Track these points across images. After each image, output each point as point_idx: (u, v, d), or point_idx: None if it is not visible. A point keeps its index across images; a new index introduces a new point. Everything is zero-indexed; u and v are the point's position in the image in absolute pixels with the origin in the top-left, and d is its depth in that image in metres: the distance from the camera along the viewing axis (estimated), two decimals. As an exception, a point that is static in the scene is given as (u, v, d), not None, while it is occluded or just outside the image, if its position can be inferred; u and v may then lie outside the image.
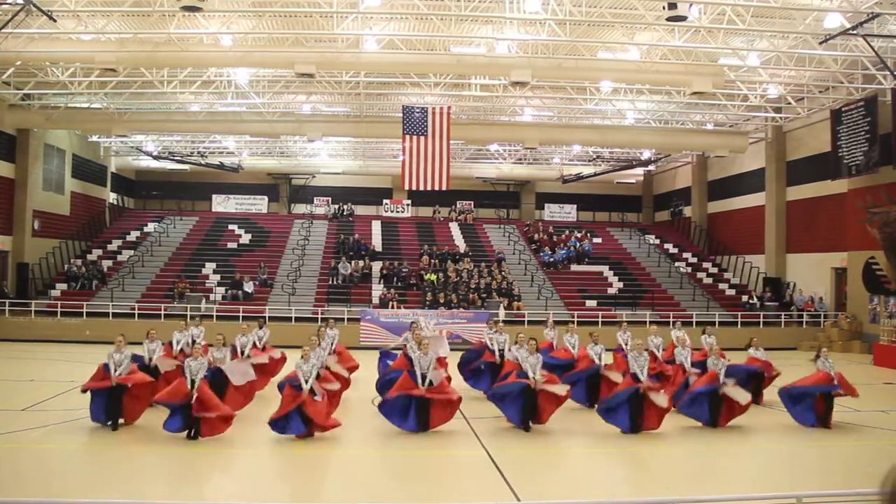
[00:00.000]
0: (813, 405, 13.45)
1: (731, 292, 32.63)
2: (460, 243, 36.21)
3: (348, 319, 26.33)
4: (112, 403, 12.34)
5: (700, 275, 34.28)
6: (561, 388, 12.96)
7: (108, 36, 21.55)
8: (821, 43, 20.66)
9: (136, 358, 13.43)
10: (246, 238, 35.82)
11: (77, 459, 11.02)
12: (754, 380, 15.35)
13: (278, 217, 40.65)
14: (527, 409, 12.83)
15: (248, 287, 29.46)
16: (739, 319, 28.16)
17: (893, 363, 22.55)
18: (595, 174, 41.12)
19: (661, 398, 12.78)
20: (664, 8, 17.67)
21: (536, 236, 37.38)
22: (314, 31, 21.30)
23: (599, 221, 42.49)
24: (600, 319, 26.73)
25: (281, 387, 12.58)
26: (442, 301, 28.57)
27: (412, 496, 9.67)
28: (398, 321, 24.90)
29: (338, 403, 13.53)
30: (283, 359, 17.06)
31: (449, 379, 13.64)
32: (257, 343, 16.59)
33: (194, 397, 11.69)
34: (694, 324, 26.92)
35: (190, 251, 33.96)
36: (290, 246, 34.97)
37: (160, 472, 10.57)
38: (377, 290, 30.22)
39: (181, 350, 15.04)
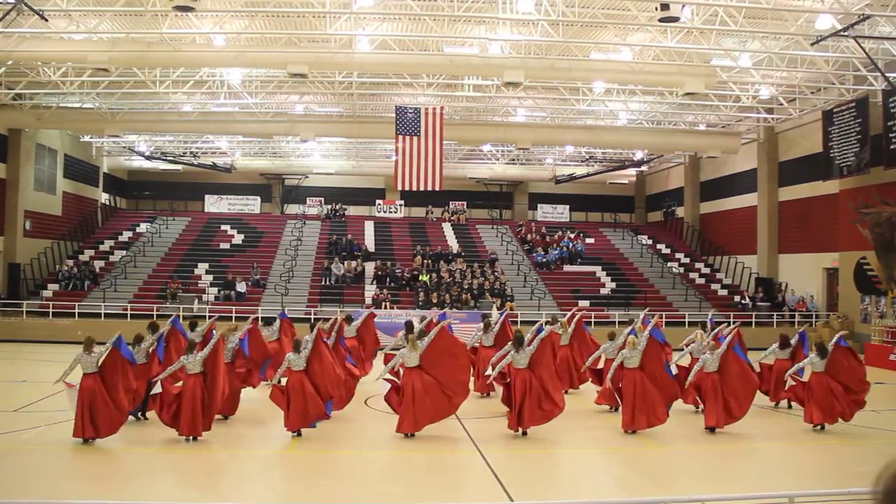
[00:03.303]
0: None
1: (724, 292, 32.74)
2: (453, 244, 36.22)
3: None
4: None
5: (692, 275, 34.37)
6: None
7: (101, 35, 21.47)
8: (812, 44, 20.74)
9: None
10: (238, 238, 35.75)
11: (70, 460, 10.98)
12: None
13: (271, 217, 40.57)
14: None
15: (241, 287, 29.43)
16: (732, 320, 28.18)
17: (884, 363, 22.66)
18: (588, 175, 41.18)
19: None
20: (657, 9, 17.73)
21: (529, 237, 37.42)
22: (307, 31, 21.28)
23: (592, 222, 42.56)
24: (593, 320, 26.73)
25: None
26: (435, 301, 28.59)
27: (406, 497, 9.66)
28: (391, 321, 24.88)
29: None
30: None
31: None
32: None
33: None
34: (686, 324, 27.05)
35: (182, 251, 33.87)
36: (283, 246, 34.94)
37: (154, 473, 10.54)
38: (370, 290, 30.21)
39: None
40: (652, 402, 12.83)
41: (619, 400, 13.80)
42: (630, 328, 15.62)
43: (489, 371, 13.37)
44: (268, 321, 17.69)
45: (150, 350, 13.77)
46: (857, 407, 13.43)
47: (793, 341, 15.70)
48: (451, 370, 12.73)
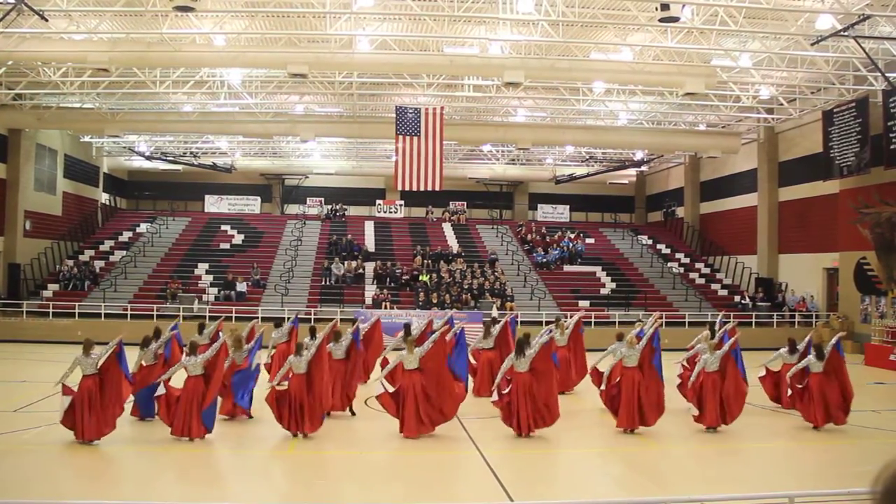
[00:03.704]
0: None
1: (724, 292, 32.72)
2: (453, 244, 36.21)
3: (341, 320, 26.25)
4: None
5: (692, 275, 34.37)
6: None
7: (101, 36, 21.47)
8: (812, 44, 20.74)
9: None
10: (239, 238, 35.74)
11: (70, 460, 10.98)
12: None
13: (271, 217, 40.57)
14: None
15: (241, 287, 29.43)
16: (732, 320, 28.14)
17: (884, 363, 22.65)
18: (588, 175, 41.19)
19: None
20: (657, 9, 17.72)
21: (529, 237, 37.42)
22: (307, 31, 21.27)
23: (592, 222, 42.56)
24: (593, 320, 26.73)
25: None
26: (435, 301, 28.58)
27: (406, 497, 9.67)
28: (392, 321, 24.85)
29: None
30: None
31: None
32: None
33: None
34: (686, 324, 27.04)
35: (182, 252, 33.87)
36: (283, 246, 34.94)
37: (154, 473, 10.55)
38: (370, 290, 30.20)
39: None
40: (647, 401, 12.87)
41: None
42: (639, 329, 15.61)
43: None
44: (277, 323, 17.62)
45: (158, 352, 13.78)
46: (846, 414, 13.47)
47: (801, 346, 15.52)
48: (445, 380, 12.75)
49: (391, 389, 12.77)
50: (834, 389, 13.37)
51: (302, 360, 12.29)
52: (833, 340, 13.87)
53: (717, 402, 13.08)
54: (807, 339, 15.55)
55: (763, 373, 15.65)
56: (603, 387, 13.48)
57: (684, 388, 14.80)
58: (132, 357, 13.08)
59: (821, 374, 13.37)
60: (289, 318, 18.64)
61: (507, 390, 12.71)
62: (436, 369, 12.66)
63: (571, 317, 18.82)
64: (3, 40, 20.23)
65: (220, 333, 14.50)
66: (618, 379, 13.20)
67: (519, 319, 25.33)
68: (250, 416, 13.60)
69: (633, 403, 12.82)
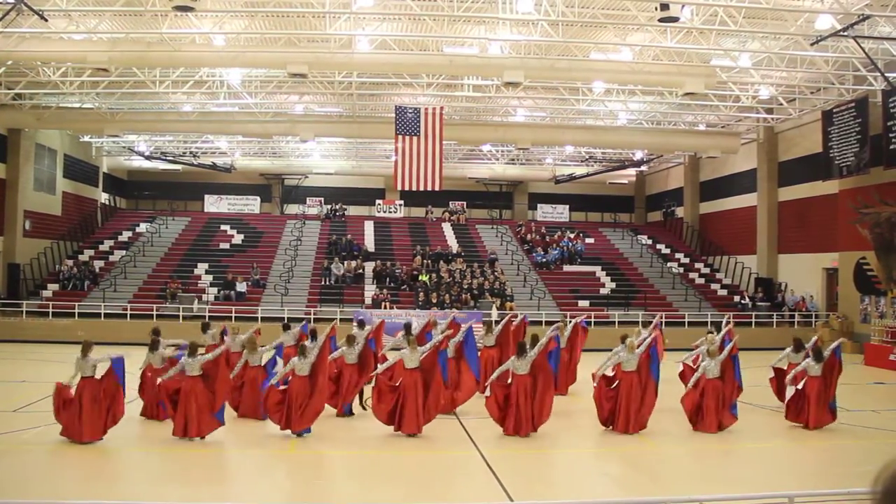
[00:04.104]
0: None
1: (723, 292, 32.73)
2: (453, 244, 36.21)
3: (341, 320, 26.26)
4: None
5: (692, 275, 34.37)
6: None
7: (100, 35, 21.46)
8: (812, 44, 20.74)
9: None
10: (238, 238, 35.73)
11: (69, 460, 10.97)
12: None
13: (271, 217, 40.57)
14: None
15: (241, 287, 29.43)
16: (731, 320, 28.15)
17: (884, 363, 22.66)
18: (587, 175, 41.19)
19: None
20: (656, 9, 17.72)
21: (529, 236, 37.43)
22: (307, 31, 21.28)
23: (592, 222, 42.57)
24: (593, 320, 26.70)
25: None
26: (435, 301, 28.58)
27: (406, 497, 9.67)
28: (391, 321, 24.83)
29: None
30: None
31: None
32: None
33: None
34: (686, 324, 27.06)
35: (182, 251, 33.86)
36: (283, 246, 34.93)
37: (154, 473, 10.56)
38: (370, 290, 30.20)
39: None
40: (642, 405, 12.90)
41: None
42: (646, 334, 15.60)
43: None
44: (286, 326, 17.60)
45: (165, 355, 13.75)
46: (833, 417, 13.50)
47: (808, 345, 15.44)
48: (436, 384, 12.75)
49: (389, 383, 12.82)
50: (824, 394, 13.40)
51: (305, 363, 12.26)
52: (833, 345, 13.88)
53: (717, 409, 13.09)
54: (813, 339, 15.50)
55: (772, 374, 15.62)
56: (595, 383, 13.41)
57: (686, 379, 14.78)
58: (136, 360, 13.12)
59: (818, 377, 13.38)
60: (289, 321, 18.65)
61: (508, 381, 12.74)
62: (431, 371, 12.70)
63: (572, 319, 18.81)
64: (2, 40, 20.22)
65: (226, 338, 14.45)
66: (616, 384, 13.19)
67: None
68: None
69: (630, 408, 12.83)
